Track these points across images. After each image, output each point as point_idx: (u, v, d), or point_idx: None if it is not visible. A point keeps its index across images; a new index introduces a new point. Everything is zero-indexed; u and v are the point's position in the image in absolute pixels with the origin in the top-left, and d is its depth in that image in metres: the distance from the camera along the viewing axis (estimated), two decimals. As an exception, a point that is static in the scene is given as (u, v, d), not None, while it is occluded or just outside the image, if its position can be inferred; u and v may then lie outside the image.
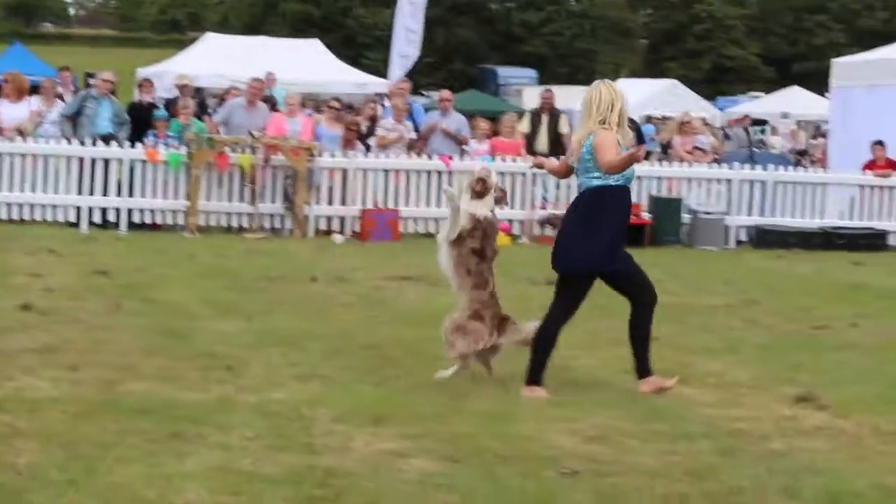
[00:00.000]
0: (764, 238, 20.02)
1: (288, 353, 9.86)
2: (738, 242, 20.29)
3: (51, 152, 19.15)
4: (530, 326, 9.25)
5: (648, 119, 32.80)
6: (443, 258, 9.52)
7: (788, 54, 68.49)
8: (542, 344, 9.01)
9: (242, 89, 21.91)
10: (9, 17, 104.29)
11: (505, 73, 56.26)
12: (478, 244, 9.41)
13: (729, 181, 20.47)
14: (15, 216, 19.13)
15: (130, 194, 19.27)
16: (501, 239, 19.04)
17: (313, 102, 25.55)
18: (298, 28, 65.81)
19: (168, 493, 6.18)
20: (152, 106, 21.02)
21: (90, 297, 12.42)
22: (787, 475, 6.95)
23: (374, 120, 21.90)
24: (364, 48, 65.26)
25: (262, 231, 19.29)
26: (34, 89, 21.10)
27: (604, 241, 8.82)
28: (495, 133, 21.54)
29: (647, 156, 22.48)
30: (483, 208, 9.44)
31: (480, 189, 9.45)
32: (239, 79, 25.15)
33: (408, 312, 12.19)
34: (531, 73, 55.95)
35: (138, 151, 19.24)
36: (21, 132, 19.59)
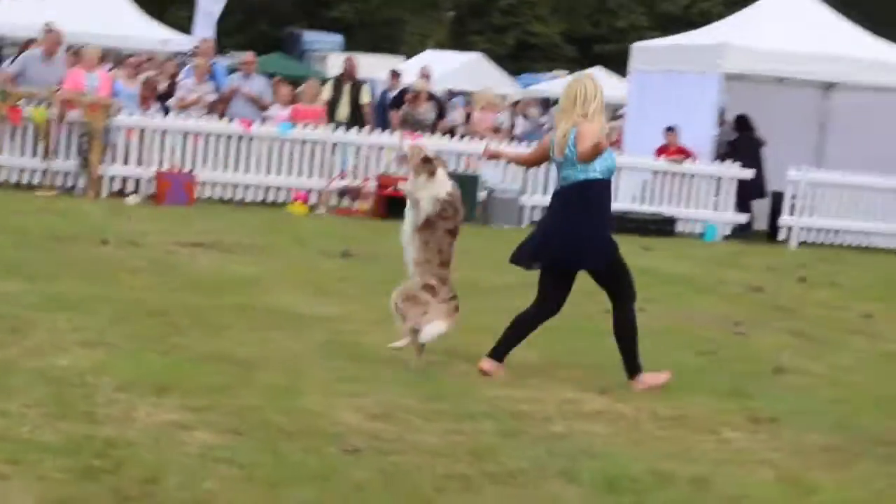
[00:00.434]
0: (558, 218, 20.21)
1: (74, 318, 9.68)
2: (533, 222, 20.50)
3: None
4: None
5: (451, 93, 32.85)
6: (409, 244, 9.26)
7: (591, 34, 69.34)
8: (521, 329, 9.16)
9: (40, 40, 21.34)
10: None
11: (310, 37, 55.74)
12: (451, 224, 9.26)
13: (526, 159, 20.59)
14: None
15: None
16: (298, 208, 19.10)
17: (114, 57, 25.04)
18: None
19: (-59, 460, 6.06)
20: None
21: None
22: (567, 458, 7.09)
23: (174, 78, 21.59)
24: (170, 3, 64.20)
25: (55, 189, 18.88)
26: None
27: (607, 233, 9.10)
28: (297, 99, 21.46)
29: (453, 132, 22.61)
30: (442, 186, 9.27)
31: (431, 169, 9.29)
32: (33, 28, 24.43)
33: (199, 280, 12.08)
34: (337, 38, 55.53)
35: (-72, 100, 18.69)
36: None
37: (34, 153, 18.94)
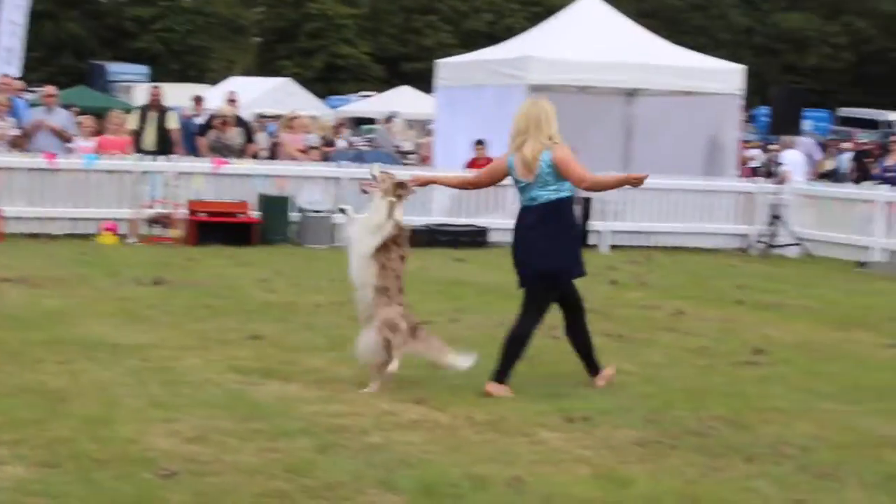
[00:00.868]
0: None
1: None
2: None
3: None
4: (439, 344, 9.50)
5: (261, 117, 32.71)
6: (362, 270, 9.44)
7: (399, 54, 69.73)
8: (515, 348, 9.45)
9: None
10: None
11: (115, 69, 55.17)
12: (403, 251, 9.47)
13: (337, 179, 20.60)
14: None
15: None
16: (108, 239, 18.83)
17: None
18: None
19: None
20: None
21: None
22: (384, 468, 7.13)
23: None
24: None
25: None
26: None
27: (578, 247, 9.53)
28: (102, 130, 21.21)
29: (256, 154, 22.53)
30: (401, 212, 9.51)
31: (402, 192, 9.50)
32: None
33: (8, 315, 11.84)
34: (143, 69, 55.01)
35: None
36: None
37: None
